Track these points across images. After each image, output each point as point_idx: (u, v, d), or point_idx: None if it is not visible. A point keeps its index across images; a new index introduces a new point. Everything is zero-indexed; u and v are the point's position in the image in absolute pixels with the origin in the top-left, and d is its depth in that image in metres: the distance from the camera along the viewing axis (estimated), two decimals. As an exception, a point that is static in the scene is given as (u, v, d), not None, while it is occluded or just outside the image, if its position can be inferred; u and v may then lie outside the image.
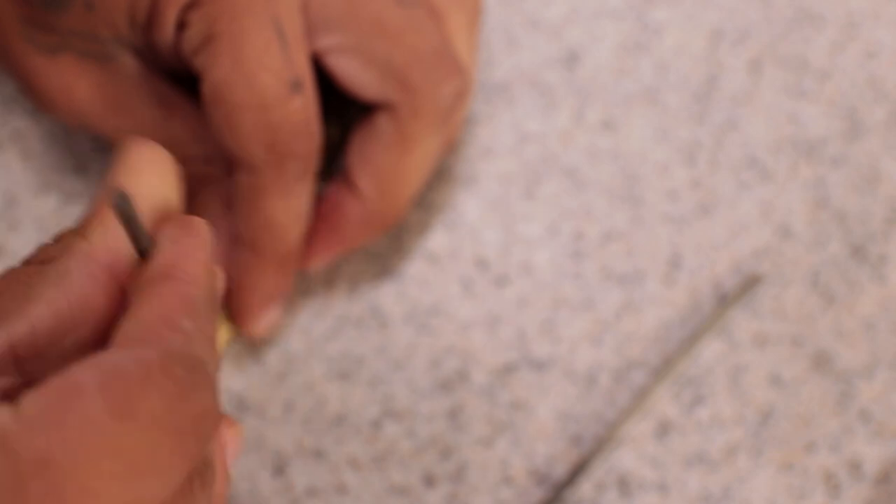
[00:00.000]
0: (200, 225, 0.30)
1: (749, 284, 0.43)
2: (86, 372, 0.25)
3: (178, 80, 0.40)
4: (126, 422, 0.25)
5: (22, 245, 0.43)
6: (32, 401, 0.25)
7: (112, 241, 0.29)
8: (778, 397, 0.42)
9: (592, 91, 0.46)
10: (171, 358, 0.26)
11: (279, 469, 0.40)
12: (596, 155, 0.45)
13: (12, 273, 0.28)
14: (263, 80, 0.36)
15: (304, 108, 0.37)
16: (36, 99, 0.40)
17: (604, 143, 0.45)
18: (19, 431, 0.24)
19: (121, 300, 0.29)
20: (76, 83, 0.39)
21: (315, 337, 0.42)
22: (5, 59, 0.40)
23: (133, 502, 0.24)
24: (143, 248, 0.29)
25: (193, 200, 0.40)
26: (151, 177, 0.30)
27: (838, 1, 0.47)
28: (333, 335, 0.42)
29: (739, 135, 0.45)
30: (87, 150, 0.44)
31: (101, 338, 0.29)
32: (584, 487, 0.40)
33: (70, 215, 0.43)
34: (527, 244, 0.43)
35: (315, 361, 0.42)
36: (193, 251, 0.29)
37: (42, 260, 0.29)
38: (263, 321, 0.40)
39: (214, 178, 0.40)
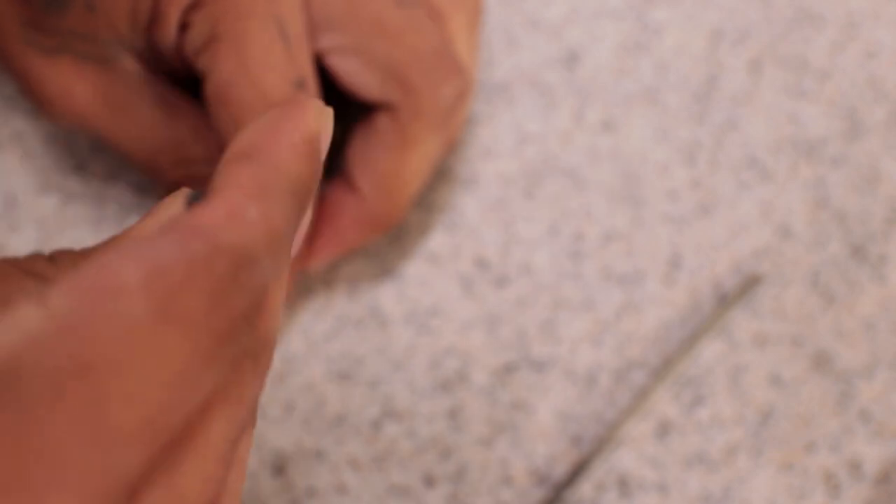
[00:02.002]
0: (308, 106, 0.27)
1: (749, 284, 0.43)
2: (129, 266, 0.23)
3: (179, 81, 0.40)
4: (167, 324, 0.23)
5: (22, 245, 0.43)
6: (65, 296, 0.23)
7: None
8: (778, 397, 0.42)
9: (592, 91, 0.46)
10: (219, 253, 0.24)
11: (279, 469, 0.40)
12: (596, 155, 0.45)
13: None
14: (268, 79, 0.37)
15: None
16: (35, 100, 0.40)
17: (604, 143, 0.45)
18: (54, 333, 0.22)
19: None
20: (76, 85, 0.39)
21: (315, 337, 0.42)
22: (5, 61, 0.40)
23: (174, 406, 0.23)
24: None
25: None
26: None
27: (838, 1, 0.47)
28: (333, 335, 0.42)
29: (739, 135, 0.45)
30: (87, 151, 0.44)
31: None
32: (584, 488, 0.40)
33: (70, 215, 0.43)
34: (527, 244, 0.43)
35: (315, 362, 0.42)
36: (287, 133, 0.27)
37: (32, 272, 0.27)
38: None
39: (215, 178, 0.40)
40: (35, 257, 0.27)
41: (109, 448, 0.22)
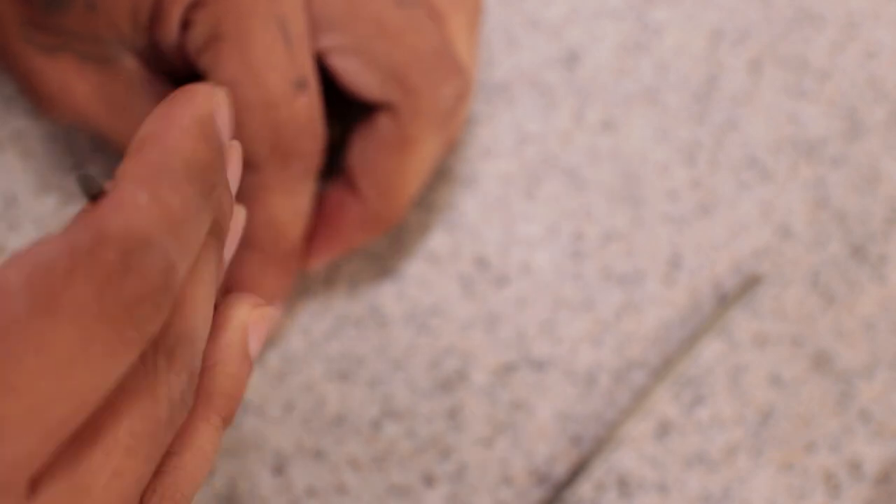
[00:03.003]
0: (199, 91, 0.27)
1: (749, 284, 0.43)
2: (12, 270, 0.24)
3: (179, 80, 0.40)
4: (48, 316, 0.23)
5: (21, 244, 0.43)
6: None
7: None
8: (778, 397, 0.42)
9: (592, 91, 0.46)
10: (104, 241, 0.24)
11: (279, 469, 0.40)
12: (596, 155, 0.45)
13: None
14: (269, 79, 0.37)
15: (309, 107, 0.37)
16: (35, 100, 0.40)
17: (604, 143, 0.45)
18: None
19: None
20: (76, 84, 0.39)
21: (315, 337, 0.42)
22: (5, 60, 0.40)
23: (66, 395, 0.24)
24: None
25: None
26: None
27: (838, 1, 0.47)
28: (333, 335, 0.42)
29: (739, 135, 0.45)
30: (87, 150, 0.44)
31: None
32: (584, 487, 0.40)
33: (70, 215, 0.43)
34: (527, 244, 0.43)
35: (315, 361, 0.42)
36: (176, 118, 0.26)
37: None
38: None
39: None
40: None
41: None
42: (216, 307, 0.31)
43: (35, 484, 0.24)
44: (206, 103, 0.28)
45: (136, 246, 0.24)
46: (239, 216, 0.31)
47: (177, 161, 0.26)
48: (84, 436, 0.25)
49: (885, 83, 0.46)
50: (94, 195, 0.26)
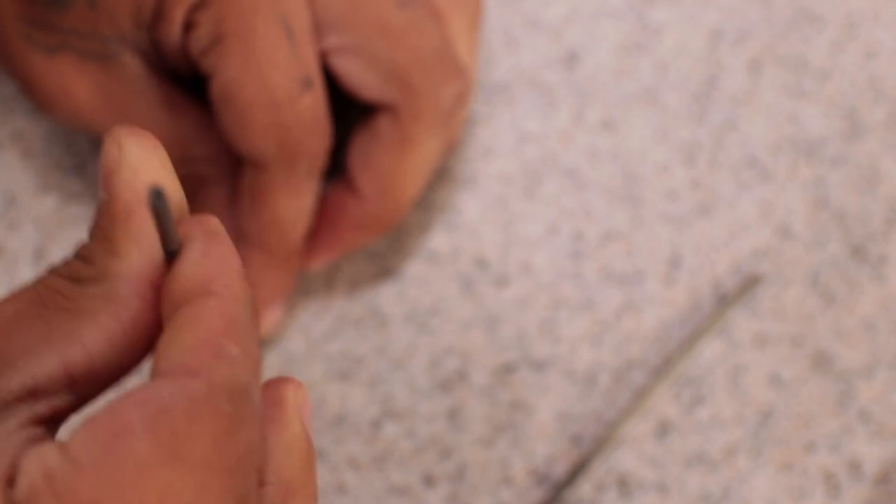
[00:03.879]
0: (220, 227, 0.28)
1: (749, 284, 0.43)
2: (133, 410, 0.24)
3: (181, 80, 0.40)
4: (174, 464, 0.24)
5: (22, 245, 0.43)
6: (80, 440, 0.24)
7: (149, 255, 0.27)
8: (778, 397, 0.42)
9: (592, 91, 0.46)
10: (218, 391, 0.25)
11: (279, 469, 0.40)
12: (596, 155, 0.45)
13: (52, 291, 0.27)
14: (274, 78, 0.37)
15: (315, 106, 0.37)
16: (36, 99, 0.40)
17: (604, 143, 0.45)
18: (68, 473, 0.24)
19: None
20: (76, 83, 0.39)
21: (315, 337, 0.42)
22: (5, 59, 0.40)
23: None
24: (173, 249, 0.27)
25: (194, 200, 0.40)
26: (156, 168, 0.28)
27: (838, 1, 0.47)
28: (333, 335, 0.42)
29: (739, 135, 0.45)
30: (87, 150, 0.44)
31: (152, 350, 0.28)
32: (584, 487, 0.40)
33: (70, 215, 0.43)
34: (527, 244, 0.43)
35: (315, 361, 0.42)
36: (228, 261, 0.27)
37: (75, 278, 0.27)
38: (268, 319, 0.40)
39: (215, 179, 0.40)
40: (68, 262, 0.28)
41: None
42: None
43: None
44: (230, 241, 0.28)
45: (243, 397, 0.25)
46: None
47: (243, 307, 0.27)
48: None
49: (885, 83, 0.46)
50: (172, 251, 0.27)
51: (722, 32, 0.47)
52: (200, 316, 0.26)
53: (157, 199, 0.25)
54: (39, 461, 0.24)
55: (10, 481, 0.25)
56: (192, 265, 0.27)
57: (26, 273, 0.42)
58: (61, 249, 0.43)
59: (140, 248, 0.27)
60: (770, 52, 0.47)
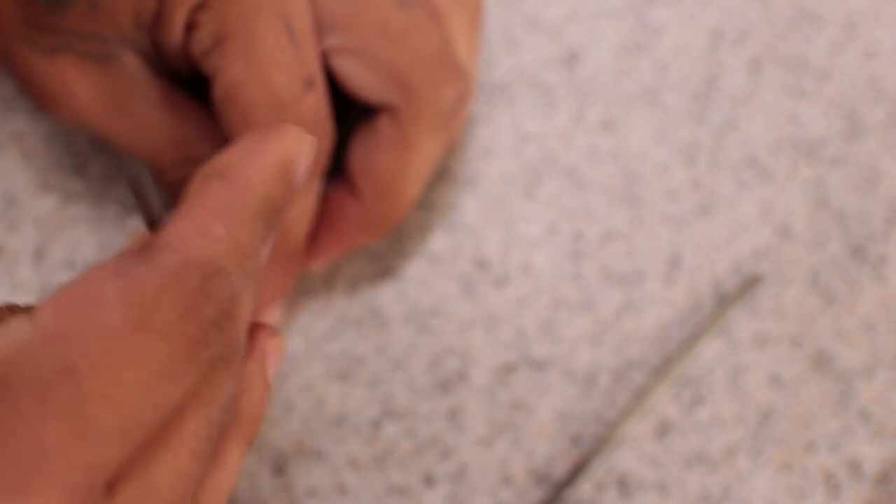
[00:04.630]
0: (286, 132, 0.29)
1: (749, 284, 0.43)
2: (107, 281, 0.26)
3: (183, 80, 0.40)
4: (143, 332, 0.26)
5: (22, 245, 0.43)
6: (51, 310, 0.26)
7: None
8: (778, 397, 0.42)
9: (592, 91, 0.46)
10: (189, 268, 0.27)
11: (279, 469, 0.40)
12: (596, 155, 0.45)
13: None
14: (276, 78, 0.37)
15: (317, 106, 0.37)
16: (36, 100, 0.40)
17: (604, 143, 0.45)
18: (40, 343, 0.25)
19: None
20: (77, 84, 0.39)
21: (315, 337, 0.42)
22: (5, 60, 0.40)
23: (149, 406, 0.25)
24: (156, 220, 0.29)
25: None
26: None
27: (838, 1, 0.47)
28: (333, 335, 0.42)
29: (739, 135, 0.45)
30: (87, 150, 0.44)
31: None
32: (584, 487, 0.40)
33: (70, 215, 0.43)
34: (527, 244, 0.43)
35: (315, 361, 0.42)
36: (261, 155, 0.29)
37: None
38: (268, 319, 0.40)
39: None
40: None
41: (89, 443, 0.24)
42: None
43: (112, 485, 0.25)
44: (293, 147, 0.30)
45: (213, 274, 0.27)
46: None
47: (253, 199, 0.28)
48: (156, 439, 0.26)
49: (885, 83, 0.46)
50: (153, 221, 0.29)
51: (722, 32, 0.47)
52: (201, 194, 0.28)
53: (140, 175, 0.27)
54: (8, 334, 0.25)
55: None
56: (230, 150, 0.29)
57: (26, 273, 0.42)
58: (61, 249, 0.43)
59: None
60: (770, 52, 0.47)
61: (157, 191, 0.28)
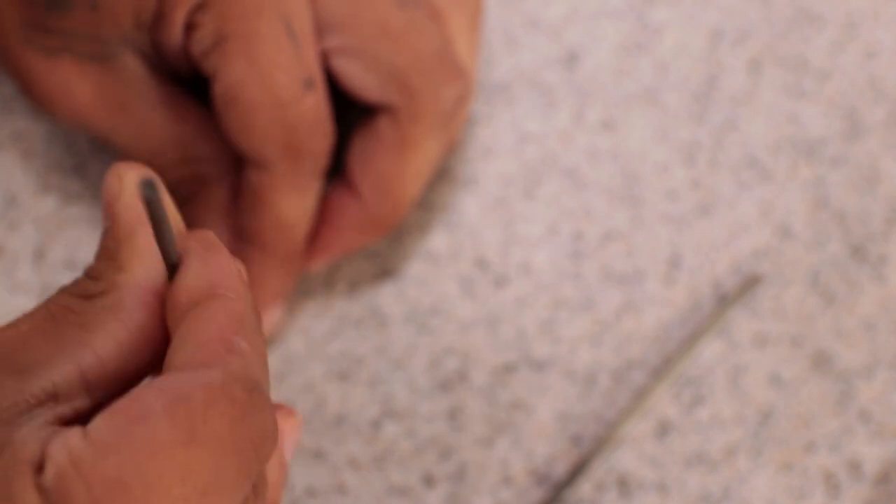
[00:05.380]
0: (216, 239, 0.30)
1: (749, 284, 0.43)
2: (152, 396, 0.26)
3: (183, 80, 0.40)
4: (192, 445, 0.26)
5: (22, 245, 0.43)
6: (103, 424, 0.26)
7: (152, 268, 0.29)
8: (778, 397, 0.42)
9: (592, 91, 0.46)
10: (233, 380, 0.27)
11: (279, 469, 0.40)
12: (596, 155, 0.45)
13: (62, 307, 0.29)
14: (277, 79, 0.37)
15: (318, 106, 0.37)
16: (37, 101, 0.40)
17: (604, 143, 0.45)
18: (92, 454, 0.25)
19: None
20: (78, 85, 0.39)
21: (315, 337, 0.42)
22: (6, 62, 0.40)
23: None
24: (172, 258, 0.29)
25: (195, 200, 0.40)
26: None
27: (838, 1, 0.47)
28: (333, 335, 0.42)
29: (739, 135, 0.45)
30: (86, 151, 0.44)
31: (160, 361, 0.30)
32: (584, 487, 0.40)
33: (70, 215, 0.43)
34: (527, 244, 0.43)
35: (315, 361, 0.42)
36: (227, 266, 0.29)
37: (85, 295, 0.29)
38: (269, 319, 0.40)
39: (216, 179, 0.40)
40: (77, 282, 0.30)
41: None
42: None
43: None
44: (227, 251, 0.30)
45: (255, 386, 0.27)
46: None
47: (247, 306, 0.29)
48: None
49: (885, 83, 0.46)
50: (171, 262, 0.29)
51: (722, 32, 0.47)
52: (210, 315, 0.28)
53: (149, 190, 0.27)
54: (65, 446, 0.26)
55: (40, 468, 0.26)
56: (194, 273, 0.29)
57: (26, 273, 0.42)
58: (61, 249, 0.43)
59: (143, 261, 0.29)
60: (770, 52, 0.47)
61: (166, 208, 0.29)
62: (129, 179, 0.29)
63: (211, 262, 0.29)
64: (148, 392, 0.26)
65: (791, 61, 0.47)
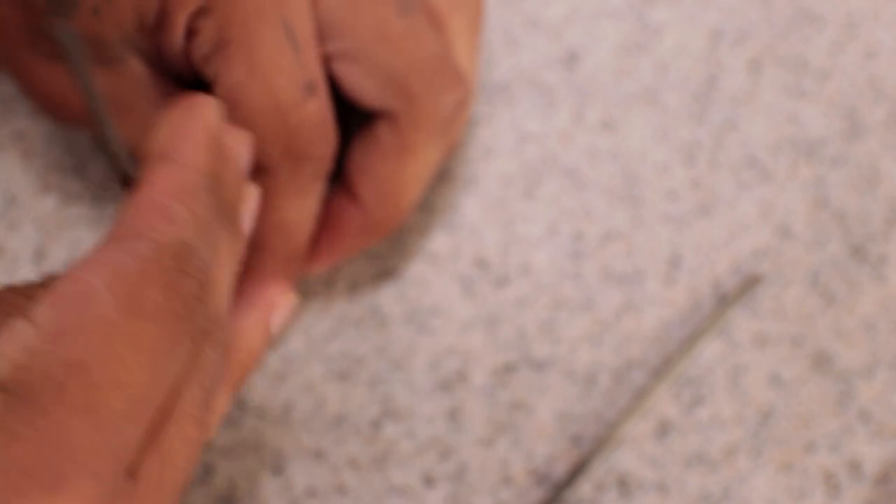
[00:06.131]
0: (204, 105, 0.31)
1: (749, 284, 0.43)
2: (93, 276, 0.27)
3: (185, 84, 0.40)
4: (135, 317, 0.27)
5: (22, 245, 0.43)
6: (49, 310, 0.27)
7: None
8: (778, 397, 0.42)
9: (592, 91, 0.46)
10: (163, 250, 0.28)
11: (279, 469, 0.40)
12: (596, 155, 0.45)
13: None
14: (278, 83, 0.37)
15: (319, 111, 0.37)
16: (41, 104, 0.40)
17: (604, 143, 0.45)
18: (45, 342, 0.26)
19: None
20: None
21: (315, 337, 0.42)
22: (9, 66, 0.40)
23: (153, 385, 0.27)
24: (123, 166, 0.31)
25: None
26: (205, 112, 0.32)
27: (838, 1, 0.47)
28: (333, 335, 0.42)
29: (739, 135, 0.45)
30: (87, 151, 0.44)
31: None
32: (584, 487, 0.40)
33: (70, 215, 0.43)
34: (527, 244, 0.43)
35: (315, 362, 0.42)
36: (193, 133, 0.31)
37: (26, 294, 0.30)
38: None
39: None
40: (30, 284, 0.31)
41: (109, 431, 0.26)
42: (247, 286, 0.37)
43: (134, 466, 0.27)
44: (213, 116, 0.32)
45: (185, 253, 0.29)
46: (252, 195, 0.36)
47: (199, 176, 0.30)
48: (163, 415, 0.28)
49: (885, 83, 0.46)
50: (126, 178, 0.31)
51: (722, 32, 0.47)
52: (153, 180, 0.30)
53: (66, 35, 0.28)
54: (15, 340, 0.27)
55: None
56: (156, 135, 0.31)
57: (26, 273, 0.42)
58: (61, 249, 0.43)
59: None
60: (770, 52, 0.47)
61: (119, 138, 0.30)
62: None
63: (178, 126, 0.31)
64: (87, 271, 0.27)
65: (791, 61, 0.47)
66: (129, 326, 0.27)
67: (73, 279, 0.27)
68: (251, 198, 0.36)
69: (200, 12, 0.36)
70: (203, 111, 0.32)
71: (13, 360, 0.26)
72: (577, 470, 0.40)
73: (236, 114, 0.37)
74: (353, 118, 0.41)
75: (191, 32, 0.37)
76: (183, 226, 0.29)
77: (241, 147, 0.34)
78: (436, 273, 0.43)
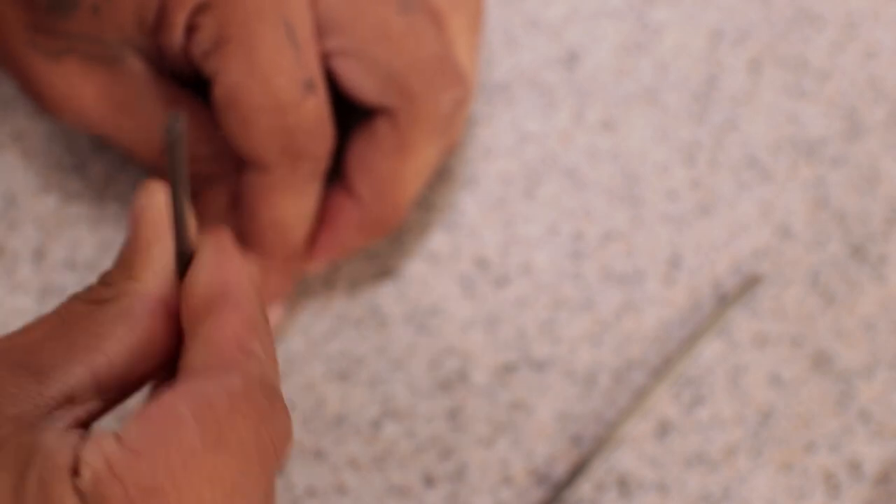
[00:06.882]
0: (231, 241, 0.31)
1: (749, 284, 0.43)
2: (180, 402, 0.28)
3: (186, 82, 0.40)
4: (219, 450, 0.27)
5: (22, 245, 0.43)
6: (135, 430, 0.27)
7: (162, 278, 0.30)
8: (778, 397, 0.42)
9: (592, 91, 0.46)
10: (252, 385, 0.28)
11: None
12: (596, 155, 0.45)
13: (74, 313, 0.30)
14: (277, 82, 0.37)
15: (318, 109, 0.37)
16: (42, 103, 0.40)
17: (603, 143, 0.45)
18: (127, 459, 0.27)
19: (178, 328, 0.31)
20: (82, 86, 0.39)
21: (315, 337, 0.42)
22: (9, 64, 0.40)
23: None
24: (186, 246, 0.30)
25: (198, 199, 0.40)
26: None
27: (838, 1, 0.47)
28: (333, 335, 0.42)
29: (739, 135, 0.45)
30: (87, 150, 0.44)
31: (166, 364, 0.31)
32: (584, 487, 0.40)
33: (70, 215, 0.43)
34: (527, 244, 0.43)
35: (315, 361, 0.42)
36: (240, 269, 0.30)
37: (95, 300, 0.30)
38: (269, 320, 0.40)
39: (220, 177, 0.40)
40: (90, 288, 0.31)
41: None
42: None
43: None
44: (242, 263, 0.31)
45: (273, 389, 0.29)
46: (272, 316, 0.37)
47: (259, 310, 0.30)
48: None
49: (885, 83, 0.46)
50: (186, 260, 0.30)
51: (722, 32, 0.47)
52: (225, 318, 0.29)
53: (174, 126, 0.27)
54: (100, 451, 0.27)
55: (75, 472, 0.27)
56: (208, 274, 0.30)
57: (26, 273, 0.42)
58: (61, 249, 0.43)
59: (154, 272, 0.30)
60: (770, 52, 0.47)
61: (185, 162, 0.29)
62: (157, 197, 0.31)
63: (225, 264, 0.30)
64: (175, 398, 0.28)
65: (791, 61, 0.47)
66: (211, 459, 0.27)
67: (163, 404, 0.28)
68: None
69: (200, 9, 0.36)
70: (235, 247, 0.31)
71: (96, 470, 0.27)
72: (577, 470, 0.40)
73: (235, 112, 0.37)
74: (351, 115, 0.41)
75: (190, 29, 0.37)
76: (264, 363, 0.29)
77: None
78: (436, 273, 0.43)
